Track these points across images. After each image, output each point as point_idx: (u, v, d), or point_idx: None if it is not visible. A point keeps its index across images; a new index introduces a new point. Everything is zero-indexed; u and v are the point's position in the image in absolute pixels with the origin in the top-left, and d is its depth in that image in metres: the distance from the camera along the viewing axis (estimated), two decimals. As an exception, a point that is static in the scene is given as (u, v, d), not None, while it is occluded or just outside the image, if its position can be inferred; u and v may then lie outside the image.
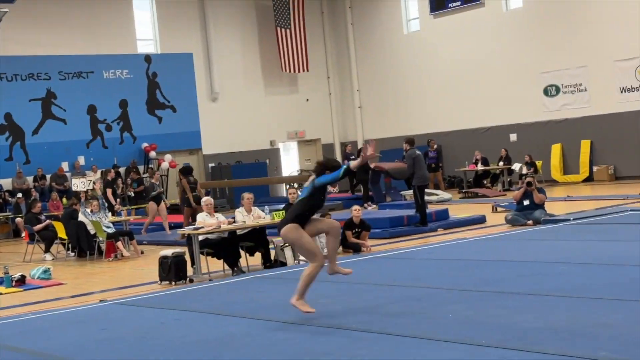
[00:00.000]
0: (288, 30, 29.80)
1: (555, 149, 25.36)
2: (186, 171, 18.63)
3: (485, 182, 25.77)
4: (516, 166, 24.40)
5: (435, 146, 26.38)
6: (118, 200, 21.50)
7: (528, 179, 15.82)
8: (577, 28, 24.49)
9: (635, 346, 5.75)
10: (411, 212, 16.66)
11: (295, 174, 29.00)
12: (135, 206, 24.68)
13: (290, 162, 31.60)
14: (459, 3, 27.45)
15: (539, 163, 24.84)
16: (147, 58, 27.89)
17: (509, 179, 25.25)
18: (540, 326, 6.61)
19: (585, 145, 24.80)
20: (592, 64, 24.28)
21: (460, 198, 23.40)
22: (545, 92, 25.70)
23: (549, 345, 5.99)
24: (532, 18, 25.68)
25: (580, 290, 8.03)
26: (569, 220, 14.28)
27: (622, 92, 23.86)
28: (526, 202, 15.44)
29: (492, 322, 6.97)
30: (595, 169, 24.50)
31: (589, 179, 24.58)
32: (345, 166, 7.71)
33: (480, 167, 25.54)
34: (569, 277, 8.80)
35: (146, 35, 28.54)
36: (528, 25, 25.77)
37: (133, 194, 25.57)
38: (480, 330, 6.62)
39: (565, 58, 24.88)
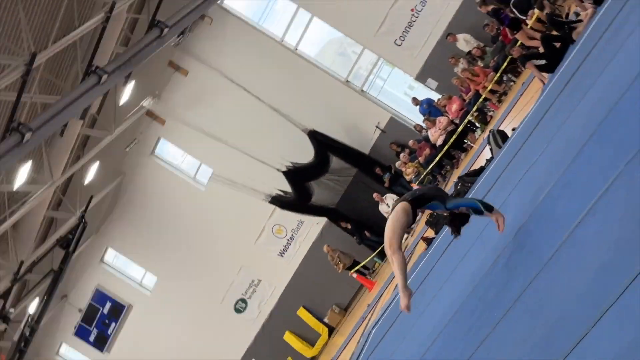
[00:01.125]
0: None
1: (289, 338, 25.47)
2: None
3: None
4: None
5: None
6: None
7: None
8: (206, 260, 25.27)
9: None
10: None
11: None
12: None
13: None
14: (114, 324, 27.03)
15: (289, 362, 24.87)
16: None
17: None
18: None
19: (303, 313, 25.20)
20: (245, 260, 25.10)
21: None
22: (238, 310, 25.92)
23: None
24: (164, 283, 26.02)
25: None
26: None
27: (281, 255, 24.80)
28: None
29: None
30: (326, 320, 25.00)
31: (332, 330, 24.98)
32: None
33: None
34: None
35: None
36: (169, 290, 26.00)
37: None
38: None
39: (222, 278, 25.44)
